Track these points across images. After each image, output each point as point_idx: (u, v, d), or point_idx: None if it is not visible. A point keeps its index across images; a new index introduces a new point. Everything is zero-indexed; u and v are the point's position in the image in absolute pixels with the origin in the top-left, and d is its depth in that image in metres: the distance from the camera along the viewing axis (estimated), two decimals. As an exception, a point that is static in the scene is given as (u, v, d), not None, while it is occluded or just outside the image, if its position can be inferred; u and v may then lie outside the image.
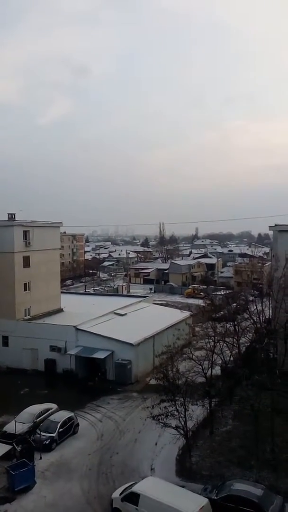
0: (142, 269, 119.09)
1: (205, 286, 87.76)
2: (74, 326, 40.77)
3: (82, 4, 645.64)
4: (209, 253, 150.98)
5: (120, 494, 20.47)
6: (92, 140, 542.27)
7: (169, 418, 24.37)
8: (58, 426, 27.50)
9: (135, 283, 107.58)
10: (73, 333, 40.51)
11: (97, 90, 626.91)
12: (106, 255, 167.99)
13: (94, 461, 25.46)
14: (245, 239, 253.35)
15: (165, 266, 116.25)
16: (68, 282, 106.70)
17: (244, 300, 39.22)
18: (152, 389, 32.03)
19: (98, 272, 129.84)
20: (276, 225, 39.25)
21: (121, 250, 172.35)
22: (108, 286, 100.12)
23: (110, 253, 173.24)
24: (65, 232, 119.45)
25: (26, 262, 45.33)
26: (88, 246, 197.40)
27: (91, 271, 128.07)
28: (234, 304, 40.04)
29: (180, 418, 24.19)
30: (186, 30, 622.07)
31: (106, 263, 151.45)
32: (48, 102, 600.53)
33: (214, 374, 29.49)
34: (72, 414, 29.33)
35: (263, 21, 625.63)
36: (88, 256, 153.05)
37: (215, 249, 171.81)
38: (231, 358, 32.45)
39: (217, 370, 31.08)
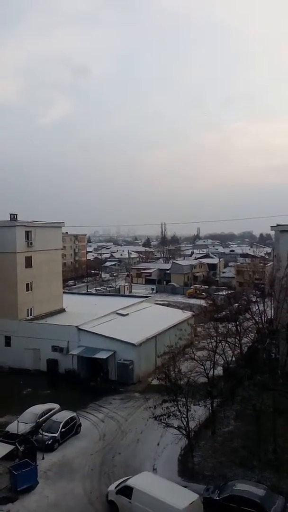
0: (144, 269, 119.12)
1: (207, 286, 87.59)
2: (76, 326, 40.83)
3: (82, 4, 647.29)
4: (211, 253, 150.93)
5: (116, 487, 20.98)
6: (93, 140, 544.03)
7: (171, 419, 24.37)
8: (61, 426, 27.54)
9: (137, 283, 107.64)
10: (75, 333, 40.57)
11: (97, 90, 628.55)
12: (108, 255, 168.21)
13: (96, 461, 25.49)
14: (247, 239, 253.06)
15: (167, 266, 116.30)
16: (70, 282, 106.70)
17: (246, 300, 39.20)
18: (154, 389, 32.02)
19: (100, 273, 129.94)
20: (278, 225, 39.23)
21: (123, 250, 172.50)
22: (110, 286, 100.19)
23: (112, 253, 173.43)
24: (67, 233, 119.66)
25: (28, 262, 45.42)
26: (90, 246, 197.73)
27: (93, 271, 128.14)
28: (236, 304, 40.02)
29: (182, 419, 24.22)
30: (186, 30, 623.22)
31: (108, 263, 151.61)
32: (48, 102, 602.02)
33: (216, 375, 29.48)
34: (74, 414, 29.37)
35: (263, 21, 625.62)
36: (90, 257, 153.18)
37: (217, 249, 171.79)
38: (233, 359, 32.45)
39: (219, 371, 31.07)
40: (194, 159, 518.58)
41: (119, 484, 21.10)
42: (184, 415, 24.22)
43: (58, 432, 27.21)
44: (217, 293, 61.93)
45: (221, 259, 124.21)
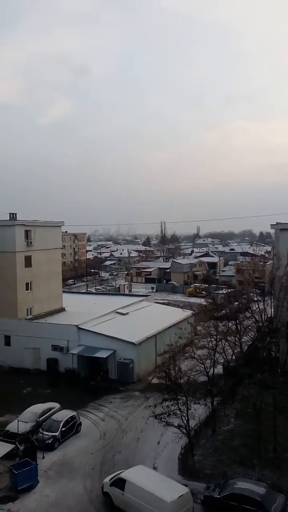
0: (144, 268, 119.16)
1: (207, 285, 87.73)
2: (76, 326, 40.80)
3: (82, 4, 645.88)
4: (211, 252, 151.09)
5: (110, 479, 21.57)
6: (93, 139, 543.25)
7: (172, 417, 24.39)
8: (61, 425, 27.53)
9: (136, 282, 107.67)
10: (75, 332, 40.55)
11: (97, 90, 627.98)
12: (107, 255, 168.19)
13: (96, 460, 25.49)
14: (247, 238, 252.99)
15: (167, 265, 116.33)
16: (70, 281, 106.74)
17: (246, 299, 39.19)
18: (154, 388, 32.06)
19: (99, 272, 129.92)
20: (277, 223, 39.23)
21: (123, 249, 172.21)
22: (110, 285, 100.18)
23: (112, 252, 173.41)
24: (66, 232, 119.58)
25: (28, 261, 45.38)
26: (90, 245, 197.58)
27: (92, 270, 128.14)
28: (236, 303, 40.01)
29: (183, 417, 24.23)
30: (186, 30, 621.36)
31: (107, 262, 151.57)
32: (48, 102, 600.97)
33: (216, 373, 29.51)
34: (74, 413, 29.36)
35: (263, 21, 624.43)
36: (89, 256, 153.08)
37: (217, 248, 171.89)
38: (233, 357, 32.46)
39: (219, 369, 31.10)
40: (194, 158, 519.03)
41: (114, 476, 21.70)
42: (184, 414, 24.23)
43: (59, 431, 27.20)
44: (217, 292, 62.05)
45: (221, 258, 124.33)
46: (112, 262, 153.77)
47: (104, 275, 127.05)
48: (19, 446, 24.40)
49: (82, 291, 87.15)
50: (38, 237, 46.43)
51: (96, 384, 37.04)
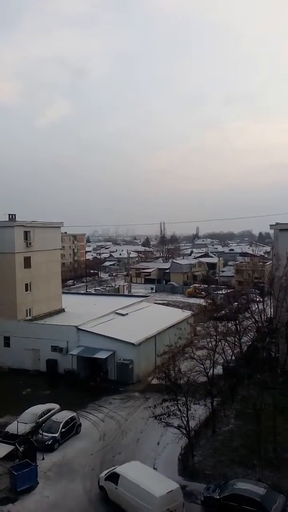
0: (143, 268, 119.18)
1: (206, 286, 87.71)
2: (75, 326, 40.78)
3: (81, 5, 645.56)
4: (210, 252, 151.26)
5: (105, 474, 22.21)
6: (92, 140, 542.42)
7: (171, 418, 24.38)
8: (61, 426, 27.50)
9: (136, 283, 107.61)
10: (75, 333, 40.53)
11: (97, 91, 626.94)
12: (107, 255, 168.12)
13: (96, 461, 25.46)
14: (246, 238, 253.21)
15: (166, 265, 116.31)
16: (69, 282, 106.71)
17: (245, 299, 39.20)
18: (154, 389, 32.05)
19: (99, 272, 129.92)
20: (277, 223, 39.25)
21: (122, 250, 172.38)
22: (109, 286, 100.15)
23: (111, 253, 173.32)
24: (66, 233, 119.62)
25: (27, 262, 45.34)
26: (89, 246, 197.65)
27: (92, 271, 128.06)
28: (236, 303, 40.01)
29: (182, 418, 24.22)
30: (186, 30, 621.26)
31: (107, 263, 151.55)
32: (47, 103, 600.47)
33: (216, 374, 29.48)
34: (74, 414, 29.34)
35: (263, 21, 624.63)
36: (89, 256, 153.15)
37: (216, 248, 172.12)
38: (233, 357, 32.47)
39: (219, 370, 31.08)
40: (194, 158, 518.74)
41: (109, 471, 22.26)
42: (184, 414, 24.22)
43: (58, 432, 27.17)
44: (216, 292, 62.01)
45: (220, 258, 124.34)
46: (112, 262, 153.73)
47: (104, 275, 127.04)
48: (18, 447, 24.39)
49: (82, 292, 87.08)
50: (38, 238, 46.40)
51: (95, 385, 36.99)
